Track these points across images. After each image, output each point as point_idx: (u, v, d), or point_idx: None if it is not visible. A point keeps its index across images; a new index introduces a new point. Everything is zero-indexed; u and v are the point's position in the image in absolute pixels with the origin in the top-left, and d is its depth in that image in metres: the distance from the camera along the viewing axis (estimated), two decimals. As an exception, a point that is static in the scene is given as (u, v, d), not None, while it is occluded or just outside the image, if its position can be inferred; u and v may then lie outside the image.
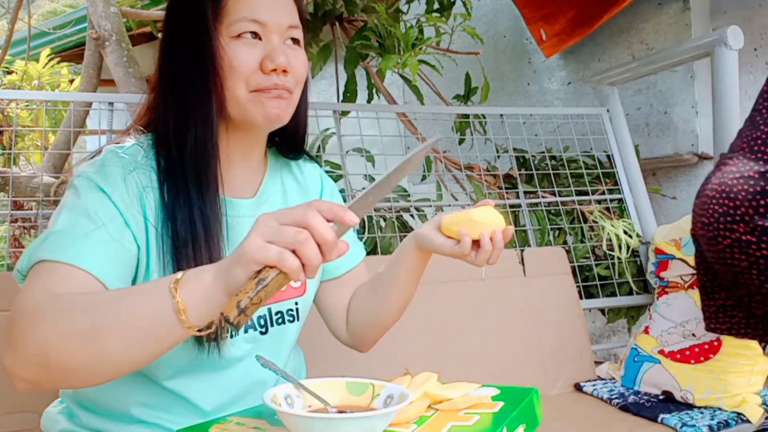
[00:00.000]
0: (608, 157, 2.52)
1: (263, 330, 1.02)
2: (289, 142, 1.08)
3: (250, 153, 1.02)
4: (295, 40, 0.97)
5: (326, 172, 1.18)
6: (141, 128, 0.99)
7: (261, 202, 1.03)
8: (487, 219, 0.97)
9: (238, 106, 0.94)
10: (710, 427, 1.58)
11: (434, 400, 0.87)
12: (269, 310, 1.03)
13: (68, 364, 0.71)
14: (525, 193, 2.40)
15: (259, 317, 1.01)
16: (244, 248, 0.67)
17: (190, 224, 0.89)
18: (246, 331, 0.99)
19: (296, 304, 1.07)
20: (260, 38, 0.93)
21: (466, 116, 2.55)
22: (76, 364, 0.71)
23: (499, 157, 2.57)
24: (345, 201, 1.20)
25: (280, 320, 1.04)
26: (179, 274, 0.71)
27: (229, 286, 0.68)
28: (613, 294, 2.31)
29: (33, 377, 0.73)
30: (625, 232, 2.30)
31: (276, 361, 0.99)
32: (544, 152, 2.61)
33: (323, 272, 1.15)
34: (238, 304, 0.66)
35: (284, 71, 0.93)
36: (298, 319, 1.07)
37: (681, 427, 1.58)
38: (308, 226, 0.66)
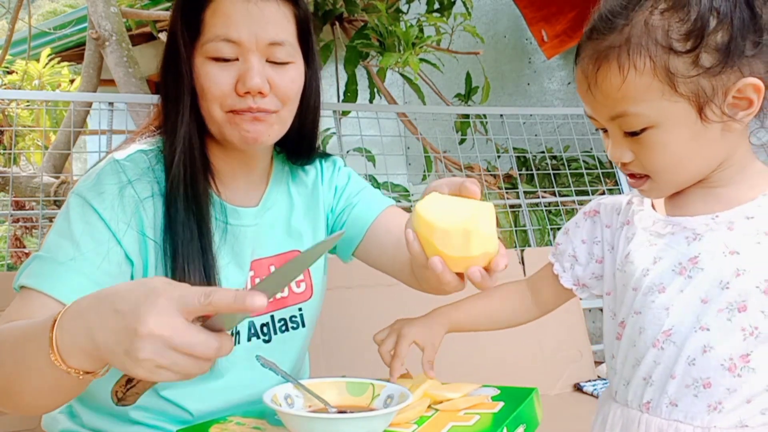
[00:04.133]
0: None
1: (266, 338, 1.00)
2: (294, 150, 1.05)
3: (252, 163, 1.00)
4: (280, 60, 0.89)
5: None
6: (153, 130, 0.98)
7: (265, 209, 1.02)
8: (478, 243, 0.70)
9: (216, 127, 0.91)
10: (710, 427, 1.57)
11: (434, 400, 0.87)
12: (272, 318, 1.01)
13: (7, 407, 0.74)
14: (525, 193, 2.40)
15: (262, 325, 1.00)
16: (135, 372, 0.60)
17: (184, 234, 0.88)
18: (249, 340, 0.98)
19: (300, 310, 1.04)
20: (236, 58, 0.88)
21: (467, 116, 2.55)
22: (8, 408, 0.74)
23: (499, 157, 2.57)
24: (349, 179, 1.14)
25: (283, 327, 1.02)
26: (53, 332, 0.65)
27: (105, 362, 0.64)
28: (613, 294, 2.31)
29: None
30: (626, 232, 2.30)
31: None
32: (544, 152, 2.61)
33: (347, 246, 1.10)
34: (116, 393, 0.67)
35: (260, 93, 0.87)
36: (303, 326, 1.05)
37: (681, 427, 1.58)
38: (201, 356, 0.60)
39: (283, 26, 0.90)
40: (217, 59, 0.88)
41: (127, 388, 0.67)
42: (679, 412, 0.75)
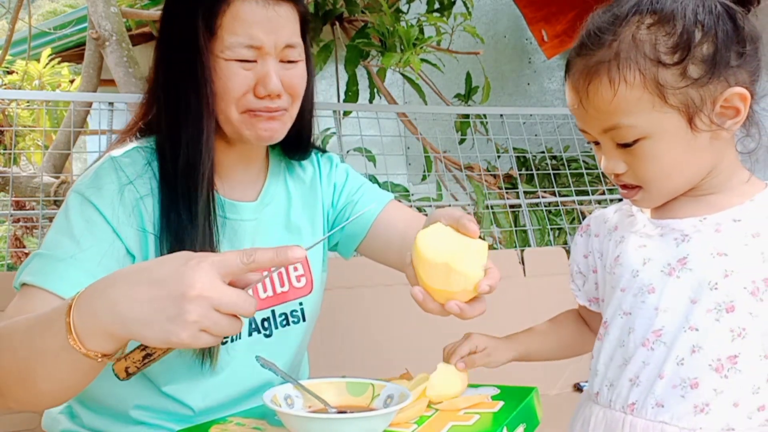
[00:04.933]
0: (608, 156, 2.52)
1: (267, 333, 1.01)
2: (292, 145, 1.06)
3: (251, 158, 1.02)
4: (292, 61, 0.93)
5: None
6: (143, 128, 0.98)
7: (263, 204, 1.02)
8: (458, 280, 0.74)
9: (231, 126, 0.93)
10: (710, 427, 1.57)
11: (434, 400, 0.88)
12: (273, 312, 1.01)
13: (18, 400, 0.73)
14: (525, 193, 2.40)
15: (263, 320, 1.00)
16: (180, 337, 0.62)
17: (183, 229, 0.89)
18: (250, 335, 0.99)
19: (300, 304, 1.05)
20: (255, 60, 0.90)
21: (467, 116, 2.55)
22: (23, 401, 0.73)
23: (499, 157, 2.58)
24: (347, 176, 1.15)
25: (284, 322, 1.03)
26: (72, 316, 0.65)
27: (140, 341, 0.65)
28: (613, 294, 2.31)
29: (4, 404, 0.74)
30: (626, 232, 2.30)
31: (281, 364, 0.98)
32: (544, 152, 2.62)
33: (349, 242, 1.11)
34: (126, 369, 0.67)
35: (278, 95, 0.91)
36: (304, 320, 1.05)
37: (681, 427, 1.58)
38: (242, 314, 0.64)
39: (294, 28, 0.93)
40: (237, 61, 0.89)
41: (144, 363, 0.67)
42: (665, 413, 0.75)
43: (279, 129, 0.94)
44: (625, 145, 0.76)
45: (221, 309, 0.62)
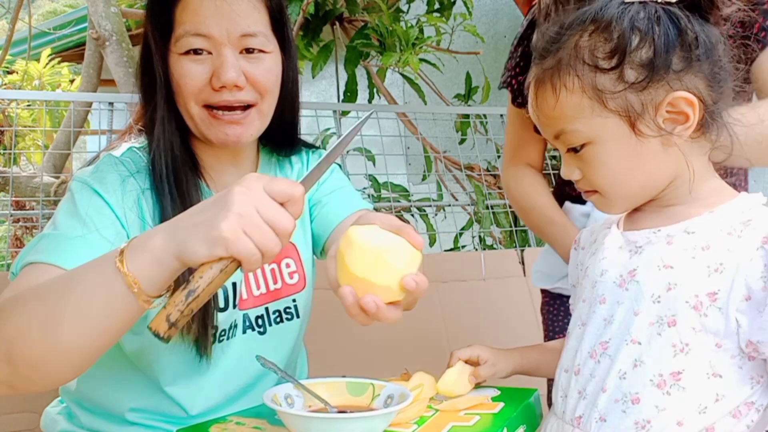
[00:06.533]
0: (608, 157, 2.52)
1: (261, 330, 1.01)
2: (276, 140, 1.05)
3: (239, 157, 1.01)
4: (254, 50, 0.90)
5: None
6: (140, 129, 0.99)
7: None
8: (384, 275, 0.67)
9: (194, 124, 0.92)
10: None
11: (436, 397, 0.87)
12: (266, 310, 1.02)
13: (30, 358, 0.68)
14: (525, 193, 2.40)
15: (257, 317, 1.00)
16: (220, 228, 0.62)
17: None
18: (244, 332, 0.99)
19: (294, 300, 1.05)
20: (210, 52, 0.88)
21: (467, 116, 2.55)
22: (37, 357, 0.68)
23: (499, 156, 2.57)
24: (330, 175, 1.13)
25: (278, 319, 1.03)
26: (124, 245, 0.67)
27: (184, 257, 0.64)
28: (613, 294, 2.31)
29: (4, 377, 0.69)
30: (626, 232, 2.30)
31: (277, 361, 0.98)
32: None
33: (316, 242, 1.10)
34: (168, 317, 0.62)
35: (236, 86, 0.88)
36: (298, 316, 1.05)
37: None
38: (280, 228, 0.64)
39: (254, 18, 0.90)
40: (190, 53, 0.88)
41: (187, 304, 0.62)
42: (607, 427, 0.74)
43: (244, 133, 0.92)
44: (575, 150, 0.77)
45: (261, 213, 0.63)
